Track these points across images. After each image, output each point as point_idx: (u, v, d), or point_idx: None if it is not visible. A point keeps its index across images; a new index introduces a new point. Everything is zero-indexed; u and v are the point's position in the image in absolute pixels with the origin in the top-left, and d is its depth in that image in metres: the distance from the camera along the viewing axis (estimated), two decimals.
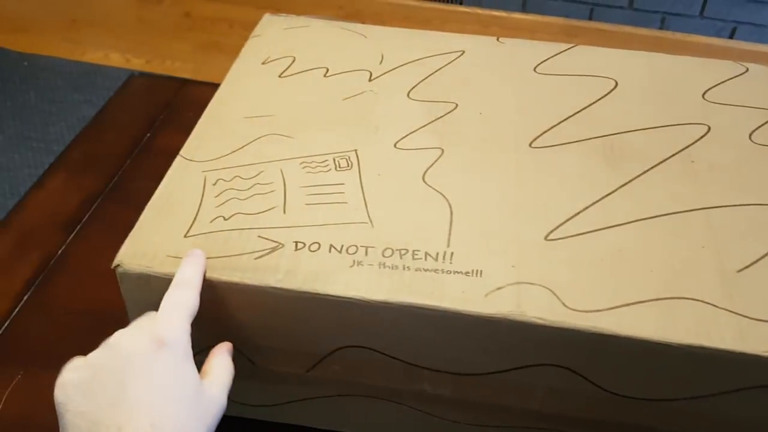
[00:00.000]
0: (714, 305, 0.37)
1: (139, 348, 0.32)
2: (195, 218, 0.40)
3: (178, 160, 0.44)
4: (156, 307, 0.34)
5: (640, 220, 0.42)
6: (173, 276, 0.36)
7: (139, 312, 0.35)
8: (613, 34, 1.94)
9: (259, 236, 0.39)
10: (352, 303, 0.37)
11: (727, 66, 0.57)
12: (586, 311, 0.36)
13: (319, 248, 0.39)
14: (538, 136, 0.48)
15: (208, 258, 0.37)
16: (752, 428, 0.38)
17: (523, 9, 1.95)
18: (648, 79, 0.54)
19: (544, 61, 0.56)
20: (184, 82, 0.79)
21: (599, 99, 0.52)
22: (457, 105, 0.51)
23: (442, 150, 0.47)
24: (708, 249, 0.40)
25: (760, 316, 0.37)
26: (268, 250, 0.38)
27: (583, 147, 0.48)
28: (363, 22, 0.99)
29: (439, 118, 0.50)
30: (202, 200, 0.41)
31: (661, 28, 1.94)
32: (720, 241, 0.41)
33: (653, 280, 0.38)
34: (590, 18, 1.94)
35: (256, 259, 0.37)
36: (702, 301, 0.37)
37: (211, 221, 0.40)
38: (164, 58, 0.87)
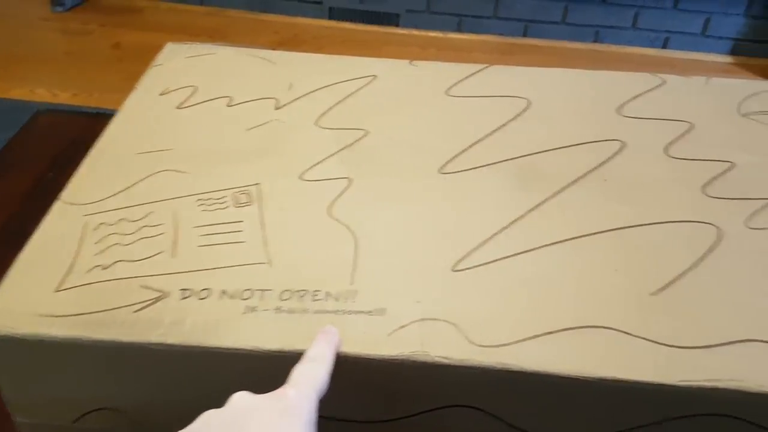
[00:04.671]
0: (628, 333, 0.35)
1: (261, 404, 0.30)
2: (69, 270, 0.36)
3: (56, 205, 0.41)
4: (31, 377, 0.30)
5: (551, 244, 0.41)
6: (44, 337, 0.32)
7: (11, 379, 0.31)
8: (548, 50, 1.98)
9: (141, 286, 0.36)
10: (244, 354, 0.34)
11: (643, 79, 0.57)
12: (492, 346, 0.34)
13: (209, 295, 0.36)
14: (449, 161, 0.47)
15: (80, 314, 0.33)
16: None
17: (459, 29, 1.97)
18: (562, 96, 0.53)
19: (458, 83, 0.55)
20: (97, 116, 0.75)
21: (512, 120, 0.51)
22: (367, 132, 0.49)
23: (351, 180, 0.45)
24: (621, 272, 0.39)
25: (676, 343, 0.35)
26: (150, 301, 0.35)
27: (495, 170, 0.46)
28: (300, 48, 0.97)
29: (347, 147, 0.48)
30: (79, 249, 0.37)
31: (595, 41, 1.98)
32: (634, 262, 0.40)
33: (563, 309, 0.37)
34: (525, 35, 1.96)
35: (135, 312, 0.34)
36: (615, 330, 0.36)
37: (88, 271, 0.36)
38: (92, 91, 0.83)
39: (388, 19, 2.01)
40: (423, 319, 0.36)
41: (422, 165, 0.46)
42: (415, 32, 2.01)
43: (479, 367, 0.34)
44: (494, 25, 1.96)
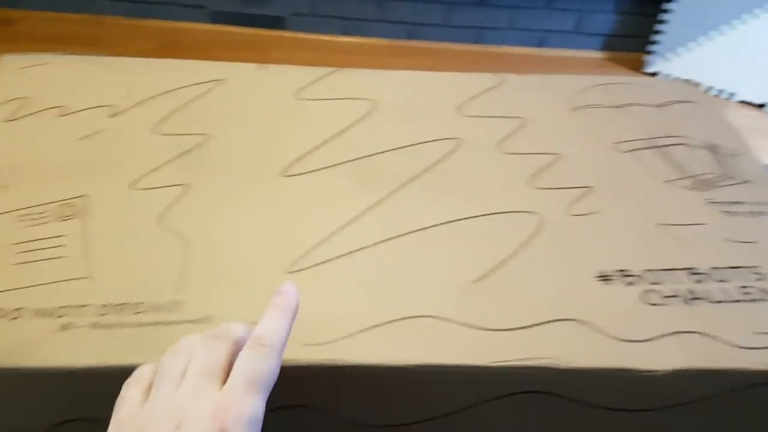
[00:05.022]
0: (448, 320, 0.37)
1: (192, 409, 0.26)
2: None
3: None
4: None
5: (385, 241, 0.42)
6: None
7: None
8: (433, 51, 2.02)
9: None
10: (58, 374, 0.33)
11: (482, 78, 0.59)
12: (322, 343, 0.35)
13: (21, 315, 0.34)
14: (291, 164, 0.47)
15: None
16: None
17: (345, 32, 1.98)
18: (405, 98, 0.55)
19: (306, 86, 0.55)
20: None
21: (356, 121, 0.52)
22: (209, 137, 0.49)
23: (188, 186, 0.44)
24: (448, 263, 0.41)
25: (492, 326, 0.37)
26: None
27: (336, 171, 0.47)
28: (182, 54, 0.94)
29: (187, 152, 0.47)
30: None
31: (477, 42, 2.05)
32: (460, 253, 0.41)
33: (392, 302, 0.38)
34: (410, 37, 2.00)
35: None
36: (437, 318, 0.37)
37: None
38: None
39: (273, 22, 1.99)
40: (254, 323, 0.36)
41: (264, 168, 0.46)
42: (302, 36, 2.00)
43: (307, 366, 0.34)
44: (380, 28, 1.99)
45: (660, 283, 0.40)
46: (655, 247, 0.42)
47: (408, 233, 0.42)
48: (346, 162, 0.48)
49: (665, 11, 2.04)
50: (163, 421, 0.26)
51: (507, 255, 0.41)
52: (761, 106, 2.08)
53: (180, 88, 0.53)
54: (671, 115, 0.55)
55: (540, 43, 2.08)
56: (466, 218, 0.44)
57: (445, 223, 0.43)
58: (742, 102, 2.06)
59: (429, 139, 0.51)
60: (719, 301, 0.39)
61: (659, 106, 0.56)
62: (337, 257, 0.40)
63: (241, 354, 0.28)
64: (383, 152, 0.49)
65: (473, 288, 0.39)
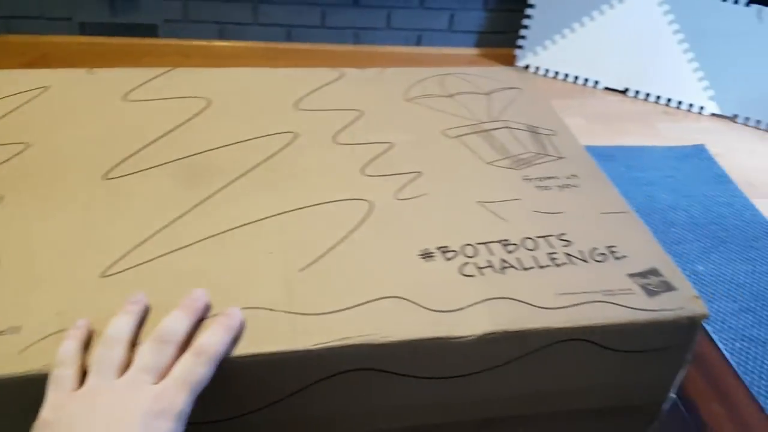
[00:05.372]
0: (272, 309, 0.38)
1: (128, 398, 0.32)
2: None
3: None
4: None
5: (212, 236, 0.42)
6: None
7: None
8: (311, 53, 2.04)
9: None
10: None
11: (323, 73, 0.60)
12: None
13: None
14: (115, 166, 0.46)
15: None
16: (328, 423, 0.40)
17: (221, 36, 1.95)
18: (241, 94, 0.55)
19: (137, 87, 0.54)
20: None
21: (188, 120, 0.52)
22: (28, 145, 0.47)
23: (2, 197, 0.42)
24: (276, 254, 0.41)
25: (315, 311, 0.38)
26: None
27: (163, 171, 0.46)
28: (50, 67, 0.89)
29: (4, 162, 0.45)
30: None
31: (355, 43, 2.08)
32: (288, 244, 0.42)
33: (218, 297, 0.38)
34: (289, 39, 2.00)
35: None
36: (263, 308, 0.38)
37: None
38: None
39: (146, 30, 1.94)
40: (63, 330, 0.35)
41: (85, 173, 0.45)
42: (175, 42, 1.95)
43: None
44: (257, 32, 1.97)
45: (476, 256, 0.42)
46: (474, 223, 0.45)
47: (235, 228, 0.43)
48: (173, 161, 0.47)
49: (529, 6, 2.15)
50: (104, 405, 0.32)
51: (335, 242, 0.43)
52: (624, 91, 2.23)
53: (3, 97, 0.51)
54: (497, 102, 0.59)
55: (418, 42, 2.14)
56: (297, 209, 0.45)
57: (276, 215, 0.44)
58: (607, 89, 2.20)
59: (263, 134, 0.51)
60: (528, 268, 0.42)
61: (487, 93, 0.60)
62: (158, 257, 0.40)
63: (183, 358, 0.34)
64: (214, 149, 0.49)
65: (300, 276, 0.40)
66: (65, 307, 0.36)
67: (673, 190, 1.57)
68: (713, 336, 0.57)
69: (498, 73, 0.64)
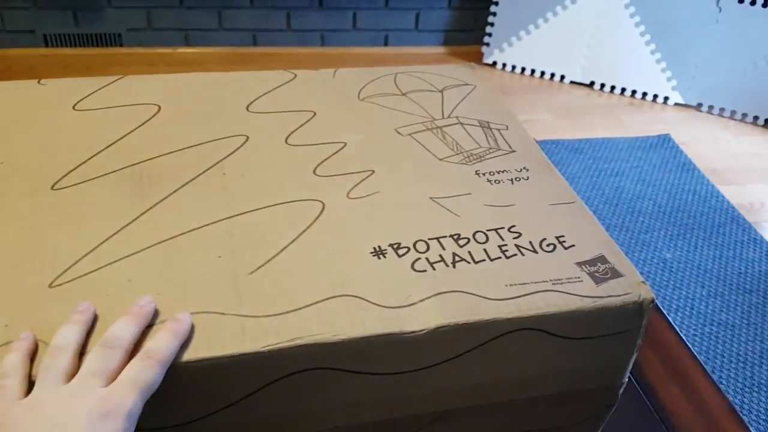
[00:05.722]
0: (222, 313, 0.38)
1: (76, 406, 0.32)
2: None
3: None
4: None
5: (161, 242, 0.42)
6: None
7: None
8: (278, 57, 2.03)
9: None
10: None
11: (276, 75, 0.60)
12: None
13: None
14: (63, 177, 0.46)
15: None
16: (283, 424, 0.40)
17: (187, 43, 1.94)
18: (193, 99, 0.55)
19: (86, 97, 0.54)
20: None
21: (138, 127, 0.51)
22: None
23: None
24: (225, 257, 0.41)
25: (265, 313, 0.38)
26: None
27: (111, 179, 0.46)
28: (11, 80, 0.87)
29: None
30: None
31: (322, 45, 2.08)
32: (238, 247, 0.42)
33: (166, 303, 0.38)
34: (255, 44, 2.00)
35: None
36: (212, 312, 0.38)
37: None
38: None
39: (110, 39, 1.92)
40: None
41: (33, 184, 0.45)
42: (140, 50, 1.94)
43: None
44: (223, 37, 1.97)
45: (428, 251, 0.43)
46: (426, 219, 0.45)
47: (184, 233, 0.43)
48: (121, 169, 0.47)
49: (494, 3, 2.17)
50: (49, 410, 0.31)
51: (286, 243, 0.43)
52: (590, 85, 2.25)
53: None
54: (450, 98, 0.59)
55: (385, 42, 2.14)
56: (248, 212, 0.45)
57: (226, 218, 0.44)
58: (573, 83, 2.23)
59: (214, 138, 0.51)
60: (479, 261, 0.42)
61: (440, 90, 0.60)
62: (105, 266, 0.40)
63: (131, 362, 0.34)
64: (163, 155, 0.49)
65: (249, 279, 0.40)
66: (13, 319, 0.36)
67: (640, 179, 1.60)
68: (669, 318, 0.58)
69: (451, 71, 0.64)
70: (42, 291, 0.38)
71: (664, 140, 1.78)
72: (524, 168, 0.51)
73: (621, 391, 0.45)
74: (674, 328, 0.58)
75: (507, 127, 0.56)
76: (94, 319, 0.36)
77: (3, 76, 1.90)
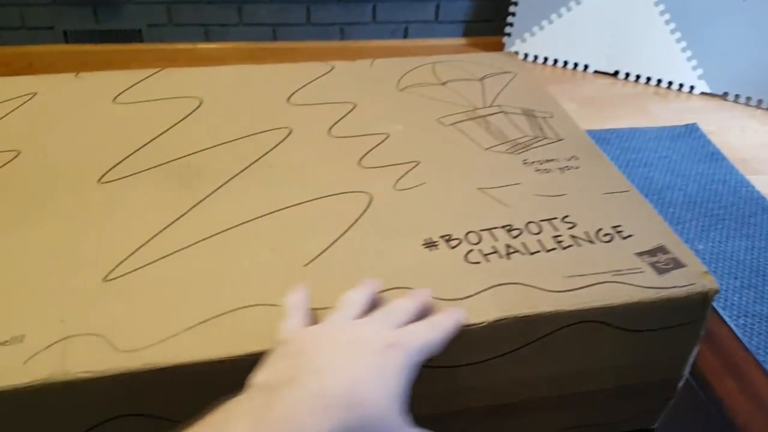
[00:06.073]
0: (279, 305, 0.37)
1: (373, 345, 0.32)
2: None
3: None
4: None
5: (210, 236, 0.41)
6: None
7: None
8: (298, 51, 2.03)
9: None
10: None
11: (313, 67, 0.60)
12: (140, 349, 0.34)
13: None
14: (109, 170, 0.45)
15: None
16: None
17: (207, 38, 1.94)
18: (233, 92, 0.55)
19: (126, 90, 0.53)
20: None
21: (181, 120, 0.51)
22: (19, 153, 0.46)
23: None
24: (278, 250, 0.41)
25: (320, 304, 0.37)
26: None
27: (157, 173, 0.46)
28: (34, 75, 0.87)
29: None
30: None
31: (342, 39, 2.07)
32: (290, 239, 0.41)
33: (218, 296, 0.37)
34: (275, 38, 1.99)
35: None
36: (269, 305, 0.37)
37: None
38: None
39: (130, 36, 1.92)
40: (68, 338, 0.34)
41: (78, 178, 0.44)
42: (161, 46, 1.94)
43: (126, 373, 0.33)
44: (242, 32, 1.96)
45: (480, 243, 0.42)
46: (476, 209, 0.44)
47: (234, 227, 0.42)
48: (166, 163, 0.47)
49: None
50: (345, 334, 0.33)
51: (337, 235, 0.42)
52: (614, 74, 2.22)
53: None
54: (491, 87, 0.58)
55: (405, 35, 2.13)
56: (295, 205, 0.44)
57: (274, 212, 0.43)
58: (597, 72, 2.20)
59: (257, 131, 0.51)
60: (534, 252, 0.41)
61: (480, 79, 0.59)
62: (159, 259, 0.39)
63: (421, 321, 0.34)
64: (208, 149, 0.48)
65: (304, 271, 0.39)
66: (68, 314, 0.35)
67: (669, 170, 1.57)
68: (720, 311, 0.57)
69: (490, 59, 0.63)
70: (96, 286, 0.37)
71: (692, 130, 1.75)
72: (573, 156, 0.50)
73: (680, 384, 0.44)
74: (725, 320, 0.56)
75: (552, 114, 0.55)
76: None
77: (23, 72, 1.91)
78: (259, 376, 0.31)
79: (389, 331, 0.33)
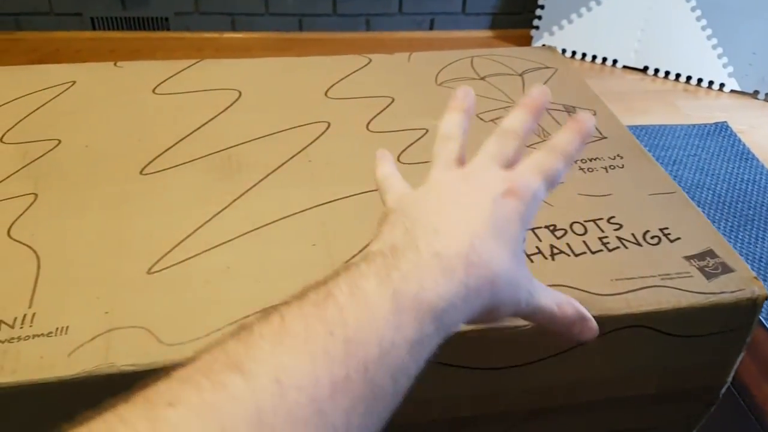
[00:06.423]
0: None
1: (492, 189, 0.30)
2: None
3: None
4: None
5: (253, 230, 0.41)
6: None
7: None
8: (324, 42, 2.02)
9: None
10: None
11: (351, 60, 0.59)
12: (184, 342, 0.34)
13: None
14: (151, 161, 0.45)
15: None
16: None
17: (233, 28, 1.94)
18: (272, 85, 0.54)
19: (165, 80, 0.53)
20: None
21: (221, 112, 0.51)
22: (60, 141, 0.46)
23: (36, 195, 0.42)
24: (319, 246, 0.40)
25: None
26: None
27: (199, 165, 0.45)
28: (62, 63, 0.89)
29: (35, 160, 0.45)
30: None
31: (367, 30, 2.06)
32: (331, 235, 0.41)
33: (261, 291, 0.37)
34: (300, 29, 1.99)
35: None
36: None
37: None
38: None
39: (157, 23, 1.93)
40: (112, 330, 0.34)
41: (119, 169, 0.44)
42: (187, 35, 1.94)
43: (171, 366, 0.33)
44: (269, 22, 1.96)
45: (523, 242, 0.41)
46: None
47: (276, 221, 0.42)
48: (208, 155, 0.46)
49: None
50: (452, 190, 0.31)
51: None
52: (643, 69, 2.18)
53: (29, 94, 0.50)
54: (532, 82, 0.57)
55: (431, 26, 2.11)
56: (335, 200, 0.44)
57: (315, 206, 0.43)
58: (625, 67, 2.16)
59: (296, 125, 0.50)
60: (579, 254, 0.40)
61: (520, 74, 0.58)
62: (201, 252, 0.39)
63: (535, 152, 0.32)
64: (248, 142, 0.48)
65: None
66: (113, 306, 0.35)
67: (699, 168, 1.55)
68: (760, 318, 0.56)
69: (530, 53, 0.62)
70: (141, 278, 0.37)
71: (722, 128, 1.72)
72: (618, 155, 0.49)
73: (723, 390, 0.43)
74: (764, 325, 0.55)
75: (594, 112, 0.54)
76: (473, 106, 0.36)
77: (50, 59, 1.92)
78: (374, 245, 0.29)
79: (501, 175, 0.31)
